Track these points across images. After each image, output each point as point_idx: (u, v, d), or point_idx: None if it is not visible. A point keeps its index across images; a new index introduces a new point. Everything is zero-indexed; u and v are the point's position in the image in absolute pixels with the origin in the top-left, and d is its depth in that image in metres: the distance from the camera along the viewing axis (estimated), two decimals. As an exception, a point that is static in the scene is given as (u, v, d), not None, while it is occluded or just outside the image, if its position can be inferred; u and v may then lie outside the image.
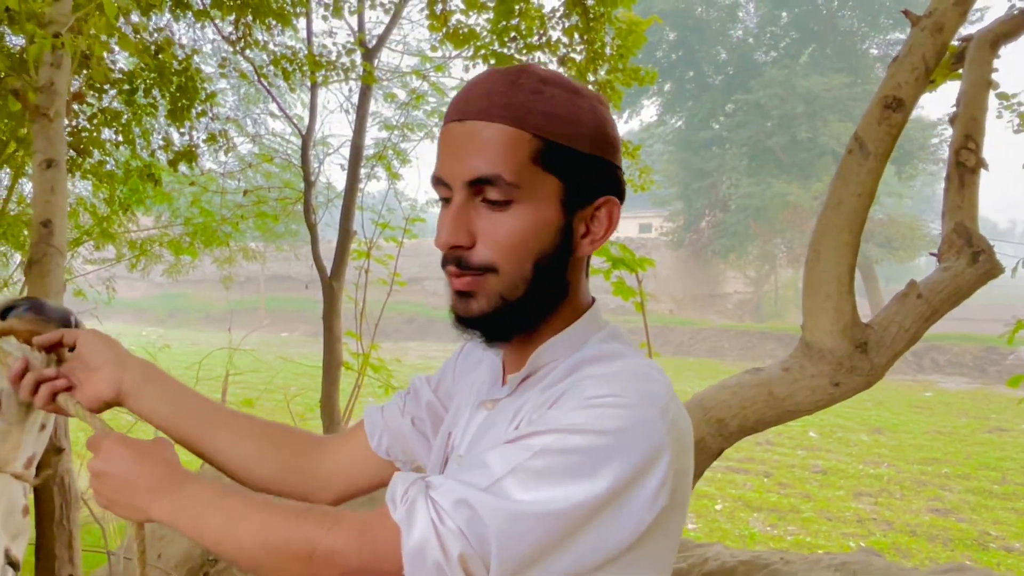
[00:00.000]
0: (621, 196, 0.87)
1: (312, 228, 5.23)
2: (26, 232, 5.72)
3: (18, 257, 6.34)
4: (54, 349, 1.08)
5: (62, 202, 1.46)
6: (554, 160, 0.81)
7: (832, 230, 1.66)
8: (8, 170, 5.27)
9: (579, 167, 0.82)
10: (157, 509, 0.84)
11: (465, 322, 0.85)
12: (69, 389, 1.03)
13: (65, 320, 1.09)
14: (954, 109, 2.24)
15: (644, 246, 29.70)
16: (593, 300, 0.91)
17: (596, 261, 3.94)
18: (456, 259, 0.83)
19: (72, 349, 1.07)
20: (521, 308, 0.84)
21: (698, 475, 1.62)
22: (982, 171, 2.02)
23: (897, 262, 27.22)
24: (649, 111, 31.32)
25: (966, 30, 2.38)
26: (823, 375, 1.59)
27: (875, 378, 1.62)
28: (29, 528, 1.12)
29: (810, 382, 1.59)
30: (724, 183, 27.13)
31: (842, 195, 1.68)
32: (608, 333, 0.89)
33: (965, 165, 2.04)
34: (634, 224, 39.48)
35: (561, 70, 5.18)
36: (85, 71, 3.07)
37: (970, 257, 1.82)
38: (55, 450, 1.25)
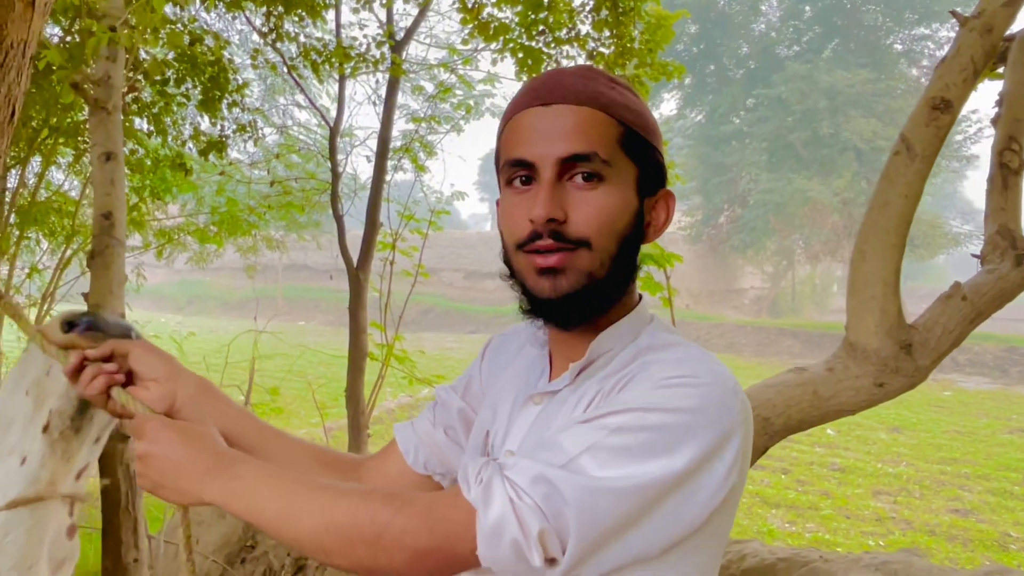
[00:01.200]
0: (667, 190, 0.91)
1: (339, 219, 5.27)
2: (54, 218, 5.81)
3: (45, 243, 6.41)
4: (108, 363, 1.02)
5: (121, 194, 1.49)
6: (633, 146, 0.86)
7: (878, 231, 1.67)
8: (38, 157, 5.34)
9: (650, 156, 0.88)
10: (209, 492, 0.83)
11: (548, 304, 0.86)
12: (125, 385, 1.01)
13: (125, 336, 1.07)
14: (996, 110, 2.22)
15: (662, 240, 29.52)
16: (641, 296, 0.94)
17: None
18: (553, 232, 0.83)
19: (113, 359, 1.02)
20: (604, 288, 0.86)
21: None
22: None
23: (917, 260, 26.97)
24: (669, 105, 31.14)
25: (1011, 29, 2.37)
26: (867, 375, 1.60)
27: (919, 379, 1.63)
28: (77, 550, 1.09)
29: (854, 382, 1.59)
30: (744, 178, 26.95)
31: (888, 196, 1.68)
32: (657, 325, 0.92)
33: (1009, 167, 2.03)
34: (651, 218, 39.37)
35: (590, 64, 5.18)
36: (134, 66, 3.12)
37: (1014, 259, 1.82)
38: (121, 438, 1.29)
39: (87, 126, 1.78)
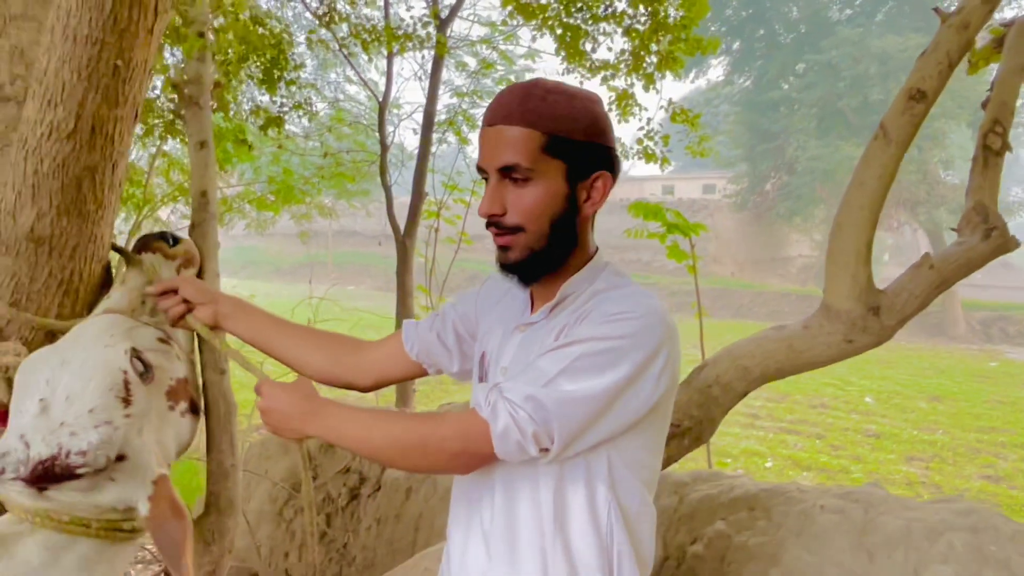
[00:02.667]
0: (613, 168, 1.19)
1: (387, 189, 5.59)
2: (130, 188, 6.24)
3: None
4: (166, 294, 1.49)
5: (213, 176, 1.81)
6: (557, 148, 1.14)
7: (854, 207, 1.90)
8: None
9: (577, 151, 1.15)
10: (311, 428, 1.18)
11: (507, 268, 1.20)
12: (189, 311, 1.48)
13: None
14: (988, 93, 2.40)
15: (707, 207, 29.34)
16: (597, 248, 1.25)
17: (653, 225, 4.18)
18: (495, 223, 1.16)
19: (176, 292, 1.49)
20: (545, 256, 1.18)
21: (725, 411, 1.90)
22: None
23: (971, 229, 26.21)
24: (716, 71, 30.64)
25: (1011, 15, 2.52)
26: (838, 333, 1.84)
27: (885, 337, 1.87)
28: (193, 432, 1.46)
29: (826, 339, 1.84)
30: (791, 145, 26.45)
31: (864, 176, 1.91)
32: (611, 271, 1.24)
33: (991, 148, 2.22)
34: (698, 185, 38.88)
35: (625, 40, 5.35)
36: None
37: (984, 233, 2.03)
38: (219, 371, 1.63)
39: (183, 119, 2.09)
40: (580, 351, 1.07)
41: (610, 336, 1.07)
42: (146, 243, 1.55)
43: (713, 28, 28.30)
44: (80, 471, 1.18)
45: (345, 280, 29.91)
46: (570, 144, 1.14)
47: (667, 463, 1.89)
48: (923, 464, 8.64)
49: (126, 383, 1.27)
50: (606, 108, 1.24)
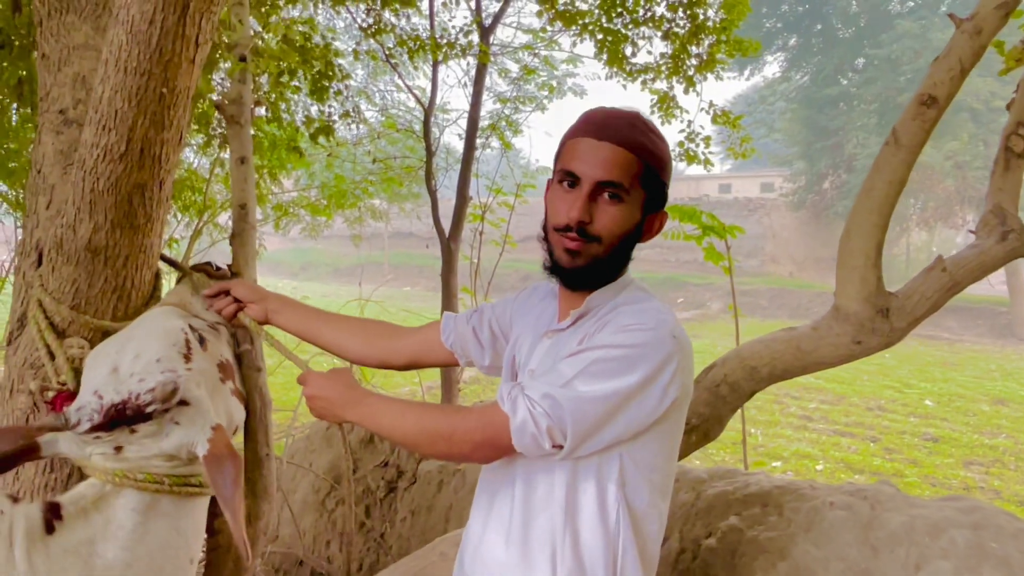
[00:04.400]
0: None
1: (433, 194, 5.74)
2: (187, 194, 6.56)
3: (179, 216, 7.20)
4: (219, 296, 1.71)
5: (252, 189, 1.97)
6: (647, 180, 1.26)
7: (863, 212, 1.94)
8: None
9: (657, 186, 1.28)
10: (351, 414, 1.32)
11: (565, 271, 1.29)
12: (241, 310, 1.69)
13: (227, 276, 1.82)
14: (1014, 95, 2.39)
15: (763, 206, 28.84)
16: (627, 266, 1.35)
17: (689, 228, 4.22)
18: (580, 230, 1.25)
19: (228, 293, 1.70)
20: (604, 268, 1.29)
21: (733, 409, 1.96)
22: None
23: None
24: (772, 67, 30.07)
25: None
26: (847, 334, 1.88)
27: (895, 339, 1.90)
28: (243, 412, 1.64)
29: (835, 340, 1.89)
30: (850, 142, 25.79)
31: (875, 182, 1.94)
32: (635, 287, 1.34)
33: (1013, 150, 2.22)
34: (755, 183, 38.20)
35: (665, 43, 5.39)
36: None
37: (1000, 235, 2.04)
38: (255, 369, 1.79)
39: (226, 136, 2.26)
40: (595, 356, 1.17)
41: (623, 344, 1.17)
42: (195, 266, 1.80)
43: (768, 24, 27.80)
44: (149, 409, 1.37)
45: (400, 281, 30.39)
46: (655, 180, 1.27)
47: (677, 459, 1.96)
48: (982, 469, 8.39)
49: (187, 342, 1.50)
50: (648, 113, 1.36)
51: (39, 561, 1.24)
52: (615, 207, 1.24)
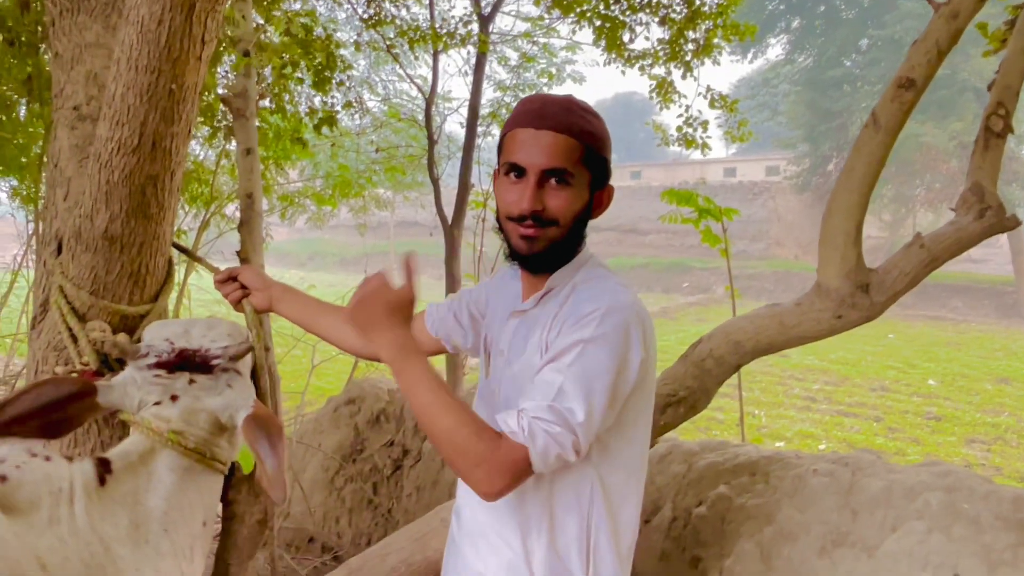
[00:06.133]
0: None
1: (435, 182, 5.82)
2: (194, 185, 6.65)
3: (187, 207, 7.29)
4: (228, 281, 1.79)
5: (258, 179, 2.06)
6: (589, 160, 1.32)
7: (844, 192, 2.01)
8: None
9: (600, 164, 1.34)
10: (386, 355, 1.26)
11: (524, 258, 1.35)
12: (246, 296, 1.78)
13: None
14: (995, 76, 2.45)
15: (768, 189, 28.77)
16: (583, 242, 1.41)
17: (685, 211, 4.29)
18: (534, 217, 1.29)
19: (235, 279, 1.79)
20: (562, 249, 1.35)
21: (719, 382, 2.04)
22: None
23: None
24: (775, 50, 29.86)
25: None
26: (828, 310, 1.96)
27: (875, 313, 1.98)
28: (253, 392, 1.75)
29: (816, 315, 1.97)
30: (854, 124, 25.65)
31: (855, 163, 2.02)
32: (592, 263, 1.41)
33: (992, 130, 2.28)
34: (760, 167, 38.06)
35: (663, 29, 5.43)
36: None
37: (978, 213, 2.11)
38: (265, 348, 1.88)
39: (232, 128, 2.36)
40: (571, 359, 1.22)
41: (585, 338, 1.22)
42: None
43: (771, 6, 27.63)
44: (215, 362, 1.55)
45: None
46: (597, 158, 1.33)
47: (664, 430, 2.05)
48: (984, 447, 8.46)
49: (247, 338, 1.66)
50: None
51: (94, 510, 1.38)
52: (565, 191, 1.29)
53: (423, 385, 1.24)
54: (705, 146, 5.65)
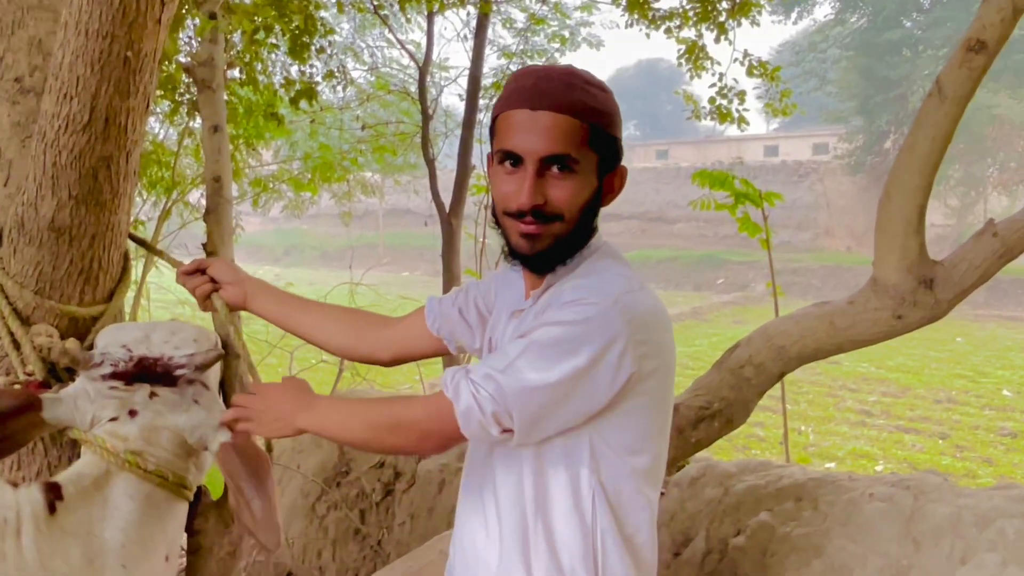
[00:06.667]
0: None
1: (430, 163, 5.83)
2: (153, 169, 6.68)
3: (145, 195, 7.32)
4: (195, 273, 1.78)
5: (227, 161, 2.06)
6: (596, 140, 1.31)
7: (904, 171, 2.00)
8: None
9: (608, 144, 1.33)
10: (301, 422, 1.40)
11: (527, 257, 1.35)
12: (216, 290, 1.77)
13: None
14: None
15: (816, 171, 28.73)
16: (596, 229, 1.40)
17: (719, 195, 4.29)
18: (535, 213, 1.29)
19: (204, 272, 1.78)
20: (568, 245, 1.35)
21: (760, 394, 2.05)
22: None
23: None
24: (823, 8, 29.82)
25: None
26: (886, 308, 1.96)
27: (940, 312, 1.97)
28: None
29: (872, 315, 1.96)
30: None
31: (916, 139, 2.01)
32: (601, 253, 1.39)
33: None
34: (807, 144, 37.99)
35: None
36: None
37: (1060, 197, 2.10)
38: (235, 355, 1.89)
39: (196, 103, 2.36)
40: (538, 337, 1.24)
41: (564, 322, 1.23)
42: None
43: (819, -42, 27.53)
44: (179, 372, 1.57)
45: (398, 265, 30.51)
46: (605, 138, 1.31)
47: (697, 447, 2.06)
48: (1069, 468, 8.43)
49: (215, 345, 1.69)
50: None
51: (43, 544, 1.38)
52: (569, 180, 1.28)
53: (332, 407, 1.40)
54: (742, 120, 5.64)
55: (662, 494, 2.49)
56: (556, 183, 1.29)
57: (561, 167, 1.28)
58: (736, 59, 5.53)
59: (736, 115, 5.60)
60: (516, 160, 1.30)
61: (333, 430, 1.39)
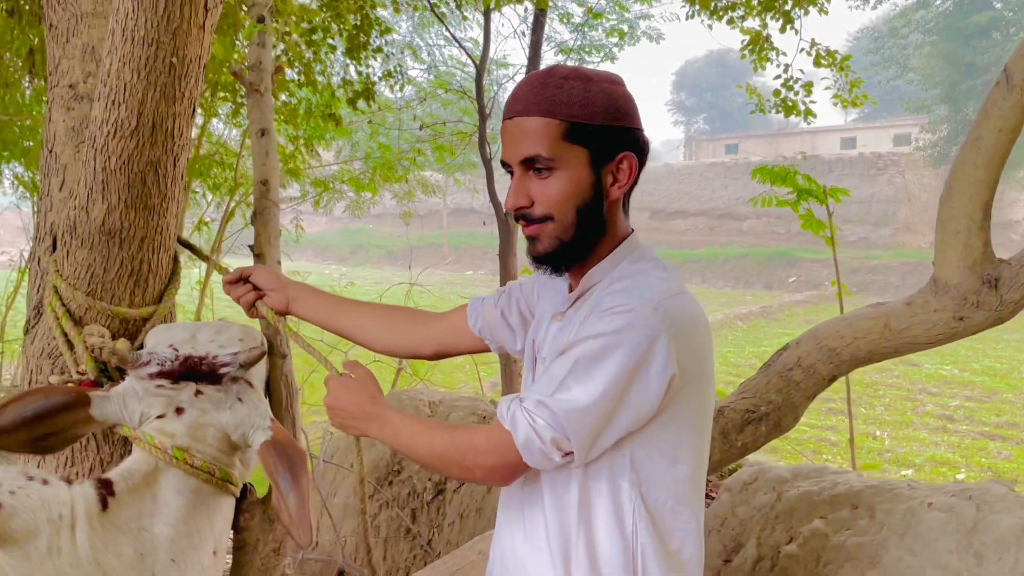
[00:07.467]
0: (639, 148, 1.37)
1: (487, 163, 5.86)
2: (215, 170, 6.87)
3: (210, 196, 7.54)
4: (238, 283, 1.85)
5: (275, 164, 2.12)
6: (577, 135, 1.33)
7: (968, 166, 1.94)
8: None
9: (598, 136, 1.33)
10: (371, 431, 1.46)
11: (535, 259, 1.40)
12: (260, 298, 1.84)
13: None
14: None
15: (896, 163, 27.93)
16: (632, 231, 1.43)
17: (781, 192, 4.21)
18: (523, 215, 1.35)
19: (247, 280, 1.85)
20: (573, 245, 1.37)
21: (810, 398, 2.01)
22: None
23: None
24: (906, -9, 28.89)
25: None
26: (947, 310, 1.90)
27: (1006, 314, 1.91)
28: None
29: (931, 316, 1.91)
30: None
31: (982, 130, 1.94)
32: (638, 255, 1.40)
33: None
34: (886, 135, 36.93)
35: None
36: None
37: None
38: (280, 356, 1.94)
39: (245, 107, 2.44)
40: (579, 353, 1.25)
41: (603, 332, 1.24)
42: None
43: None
44: (224, 370, 1.63)
45: (462, 264, 30.75)
46: (590, 129, 1.32)
47: (743, 452, 2.03)
48: None
49: (260, 343, 1.76)
50: (627, 89, 1.39)
51: (96, 539, 1.45)
52: (546, 180, 1.32)
53: (401, 426, 1.41)
54: (808, 113, 5.51)
55: (711, 499, 2.47)
56: (537, 184, 1.33)
57: (537, 168, 1.32)
58: (803, 49, 5.42)
59: (803, 107, 5.48)
60: (509, 169, 1.37)
61: (400, 449, 1.42)
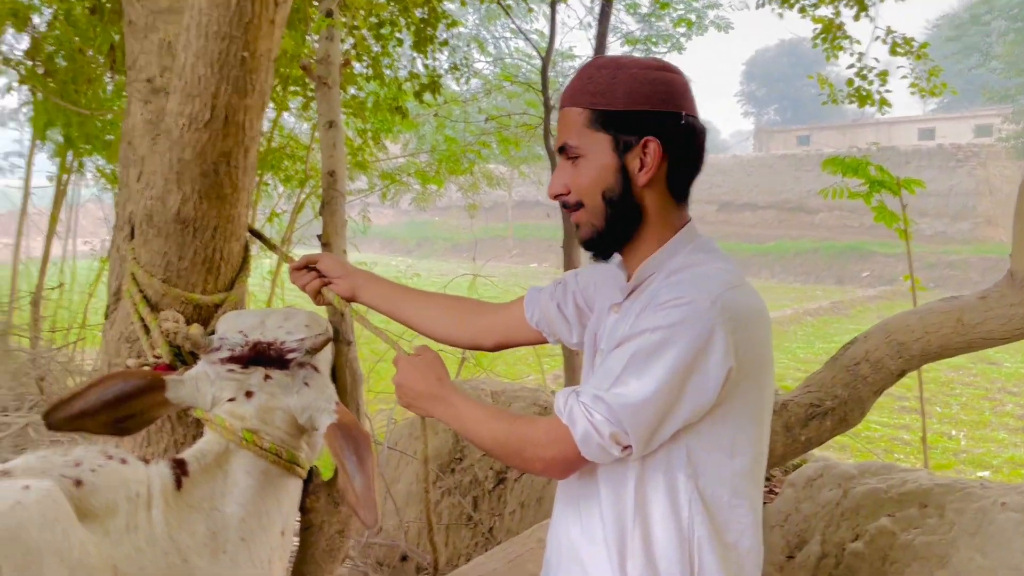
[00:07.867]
0: (674, 133, 1.35)
1: (552, 155, 5.85)
2: (286, 163, 7.02)
3: (281, 188, 7.71)
4: (304, 270, 1.89)
5: (342, 155, 2.17)
6: (600, 121, 1.35)
7: (1047, 156, 1.88)
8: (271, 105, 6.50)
9: (619, 121, 1.34)
10: (436, 411, 1.49)
11: (582, 244, 1.44)
12: (326, 285, 1.87)
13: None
14: None
15: (977, 155, 26.97)
16: (688, 220, 1.42)
17: (853, 183, 4.11)
18: (563, 203, 1.42)
19: (313, 268, 1.89)
20: (609, 232, 1.39)
21: (877, 393, 1.96)
22: None
23: None
24: (988, -24, 27.84)
25: None
26: (1022, 303, 1.85)
27: (1086, 309, 1.84)
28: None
29: (1007, 311, 1.84)
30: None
31: (1062, 118, 1.88)
32: (696, 246, 1.39)
33: None
34: (967, 126, 35.66)
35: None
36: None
37: None
38: (346, 342, 1.99)
39: (315, 100, 2.49)
40: (636, 347, 1.26)
41: (660, 326, 1.24)
42: None
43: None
44: (291, 356, 1.68)
45: (527, 257, 30.77)
46: (611, 115, 1.34)
47: (807, 446, 2.00)
48: None
49: (326, 330, 1.81)
50: (674, 74, 1.39)
51: (171, 517, 1.51)
52: (575, 167, 1.38)
53: (465, 411, 1.44)
54: (883, 103, 5.36)
55: (775, 494, 2.44)
56: (568, 171, 1.39)
57: (568, 157, 1.38)
58: (878, 37, 5.27)
59: (877, 97, 5.33)
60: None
61: (463, 432, 1.45)
